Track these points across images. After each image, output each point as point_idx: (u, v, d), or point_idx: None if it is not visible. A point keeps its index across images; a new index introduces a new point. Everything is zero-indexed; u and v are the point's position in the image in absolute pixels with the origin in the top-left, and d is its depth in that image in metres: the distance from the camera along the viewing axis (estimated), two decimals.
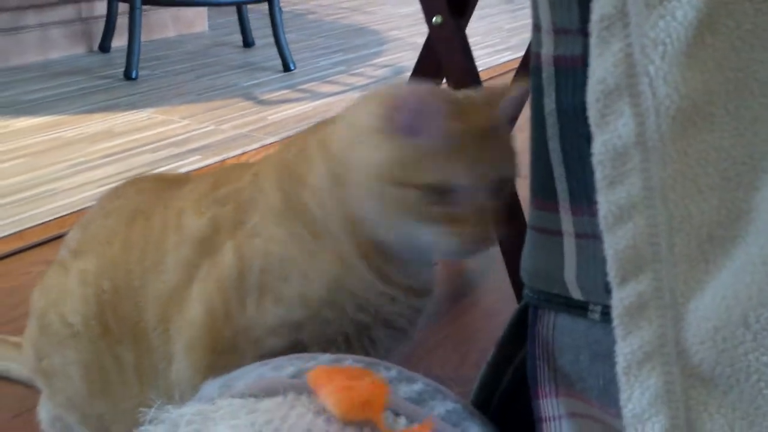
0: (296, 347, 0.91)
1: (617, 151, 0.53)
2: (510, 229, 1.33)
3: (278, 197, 0.92)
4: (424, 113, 0.81)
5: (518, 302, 0.83)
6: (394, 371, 0.80)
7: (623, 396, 0.55)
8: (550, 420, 0.74)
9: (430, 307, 0.97)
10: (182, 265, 0.95)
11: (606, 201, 0.55)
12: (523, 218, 1.31)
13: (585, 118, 0.61)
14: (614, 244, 0.55)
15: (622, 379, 0.55)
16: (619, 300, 0.55)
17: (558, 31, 0.65)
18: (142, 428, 0.78)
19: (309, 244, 0.90)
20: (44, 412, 1.10)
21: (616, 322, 0.55)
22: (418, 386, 0.79)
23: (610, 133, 0.53)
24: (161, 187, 1.04)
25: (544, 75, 0.66)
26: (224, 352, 0.92)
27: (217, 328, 0.92)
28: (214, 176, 1.00)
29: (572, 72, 0.64)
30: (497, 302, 1.54)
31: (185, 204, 0.97)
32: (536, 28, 0.68)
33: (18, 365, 1.25)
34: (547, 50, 0.66)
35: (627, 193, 0.54)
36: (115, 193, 1.07)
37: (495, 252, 1.65)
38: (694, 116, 0.51)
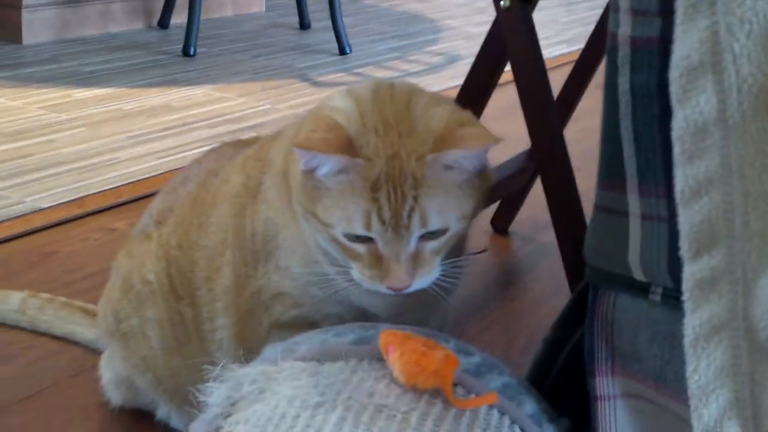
0: (305, 320, 0.93)
1: (698, 126, 0.54)
2: (567, 216, 1.34)
3: (280, 162, 0.93)
4: (319, 166, 0.82)
5: (570, 291, 0.84)
6: (452, 343, 0.82)
7: (689, 368, 0.56)
8: (605, 399, 0.75)
9: (427, 304, 0.93)
10: (221, 223, 0.97)
11: (684, 175, 0.56)
12: (580, 206, 1.32)
13: (659, 98, 0.62)
14: (689, 218, 0.56)
15: (689, 352, 0.56)
16: (691, 274, 0.56)
17: (636, 12, 0.66)
18: (208, 385, 0.80)
19: (287, 214, 0.91)
20: (108, 372, 1.13)
21: (686, 295, 0.56)
22: (475, 359, 0.80)
23: (691, 108, 0.54)
24: (236, 149, 1.06)
25: (620, 54, 0.67)
26: (246, 314, 0.95)
27: (239, 290, 0.95)
28: (272, 136, 1.02)
29: (648, 52, 0.65)
30: (546, 290, 1.54)
31: (239, 161, 1.00)
32: (614, 8, 0.68)
33: (82, 328, 1.28)
34: (624, 30, 0.67)
35: (705, 168, 0.55)
36: (197, 161, 1.11)
37: (547, 240, 1.66)
38: None
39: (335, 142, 0.81)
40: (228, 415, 0.76)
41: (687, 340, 0.56)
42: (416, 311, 0.93)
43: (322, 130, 0.83)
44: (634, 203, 0.69)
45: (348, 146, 0.81)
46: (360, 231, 0.82)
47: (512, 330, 1.42)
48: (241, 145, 1.09)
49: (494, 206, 1.74)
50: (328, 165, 0.82)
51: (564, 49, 3.29)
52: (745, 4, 0.51)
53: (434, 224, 0.82)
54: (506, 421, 0.75)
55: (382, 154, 0.81)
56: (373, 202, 0.81)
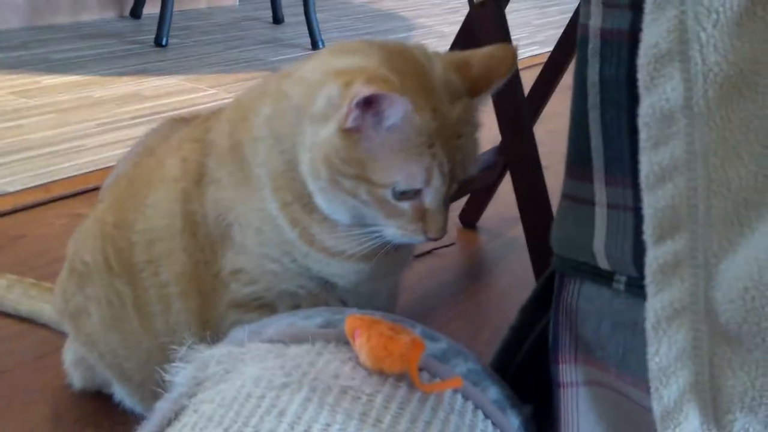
0: (260, 299, 0.94)
1: (664, 113, 0.56)
2: (534, 210, 1.36)
3: (226, 138, 0.92)
4: (385, 114, 0.79)
5: (535, 284, 0.85)
6: (418, 329, 0.83)
7: (650, 350, 0.57)
8: (567, 386, 0.76)
9: (389, 272, 0.96)
10: (161, 206, 0.96)
11: (649, 161, 0.57)
12: (547, 201, 1.33)
13: (627, 90, 0.63)
14: (654, 203, 0.57)
15: (650, 334, 0.57)
16: (654, 258, 0.57)
17: (607, 5, 0.67)
18: (174, 365, 0.81)
19: (241, 188, 0.90)
20: (69, 354, 1.13)
21: (648, 279, 0.58)
22: (442, 345, 0.81)
23: (658, 95, 0.55)
24: (174, 127, 1.06)
25: (590, 46, 0.68)
26: (208, 296, 0.96)
27: (199, 276, 0.95)
28: (207, 116, 1.00)
29: (618, 45, 0.66)
30: (512, 284, 1.56)
31: (174, 142, 1.00)
32: (585, 0, 0.69)
33: (50, 308, 1.28)
34: (594, 22, 0.68)
35: (670, 155, 0.56)
36: (142, 140, 1.10)
37: (514, 235, 1.67)
38: (740, 84, 0.53)
39: (398, 87, 0.78)
40: (193, 395, 0.76)
41: (648, 323, 0.57)
42: (379, 277, 0.95)
43: (379, 80, 0.77)
44: (600, 192, 0.70)
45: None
46: (420, 185, 0.82)
47: (478, 321, 1.43)
48: (180, 122, 1.07)
49: (462, 201, 1.75)
50: (397, 113, 0.78)
51: (536, 50, 3.31)
52: None
53: (472, 170, 0.86)
54: (470, 406, 0.76)
55: (425, 106, 0.81)
56: (432, 157, 0.81)
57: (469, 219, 1.78)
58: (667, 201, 0.56)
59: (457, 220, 1.78)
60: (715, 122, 0.54)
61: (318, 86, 0.83)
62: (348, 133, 0.80)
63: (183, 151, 0.96)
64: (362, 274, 0.93)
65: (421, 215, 0.84)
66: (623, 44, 0.65)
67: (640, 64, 0.56)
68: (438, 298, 1.49)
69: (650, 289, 0.57)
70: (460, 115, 0.83)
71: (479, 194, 1.75)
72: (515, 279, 1.57)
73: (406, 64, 0.84)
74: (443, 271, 1.59)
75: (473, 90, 0.86)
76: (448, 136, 0.82)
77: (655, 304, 0.57)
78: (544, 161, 1.35)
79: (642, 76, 0.56)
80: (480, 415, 0.76)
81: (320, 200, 0.86)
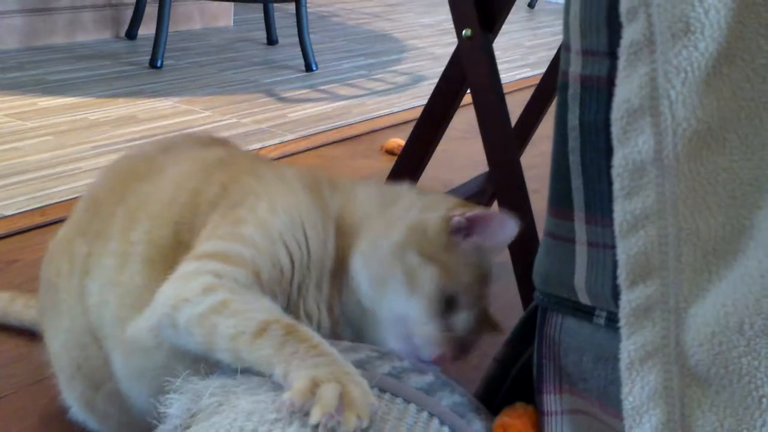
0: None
1: (636, 165, 0.58)
2: (521, 239, 1.38)
3: (340, 211, 0.98)
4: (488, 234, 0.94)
5: (524, 311, 0.87)
6: (407, 362, 0.85)
7: (625, 389, 0.60)
8: (552, 414, 0.79)
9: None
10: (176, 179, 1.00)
11: (622, 210, 0.60)
12: (534, 230, 1.36)
13: (605, 135, 0.66)
14: (627, 249, 0.60)
15: (624, 374, 0.60)
16: (627, 302, 0.60)
17: (586, 53, 0.70)
18: (168, 396, 0.83)
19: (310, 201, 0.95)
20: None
21: (622, 322, 0.60)
22: (428, 378, 0.84)
23: (630, 148, 0.58)
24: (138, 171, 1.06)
25: (570, 92, 0.71)
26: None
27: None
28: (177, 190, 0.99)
29: (597, 91, 0.69)
30: (500, 310, 1.57)
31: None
32: (566, 48, 0.72)
33: None
34: (574, 69, 0.71)
35: (642, 204, 0.59)
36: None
37: (501, 261, 1.69)
38: (708, 139, 0.56)
39: None
40: (187, 427, 0.78)
41: (623, 364, 0.60)
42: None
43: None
44: (580, 231, 0.73)
45: None
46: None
47: None
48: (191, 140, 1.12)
49: None
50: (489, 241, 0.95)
51: (527, 72, 3.34)
52: (681, 54, 0.55)
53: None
54: None
55: None
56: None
57: None
58: (639, 248, 0.59)
59: None
60: (685, 174, 0.57)
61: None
62: (450, 230, 0.94)
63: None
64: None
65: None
66: (602, 90, 0.68)
67: (613, 118, 0.59)
68: None
69: (624, 331, 0.60)
70: None
71: None
72: (502, 305, 1.58)
73: None
74: None
75: None
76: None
77: (629, 345, 0.60)
78: (534, 185, 1.38)
79: (615, 129, 0.59)
80: None
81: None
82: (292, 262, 0.91)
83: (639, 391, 0.59)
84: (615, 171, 0.60)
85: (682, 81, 0.56)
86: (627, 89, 0.58)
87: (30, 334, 1.33)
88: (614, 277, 0.66)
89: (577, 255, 0.74)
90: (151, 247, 0.94)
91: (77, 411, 1.08)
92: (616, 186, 0.60)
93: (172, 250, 0.93)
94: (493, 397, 0.86)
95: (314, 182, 0.99)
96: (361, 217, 0.96)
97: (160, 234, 0.94)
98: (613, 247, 0.68)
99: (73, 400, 1.07)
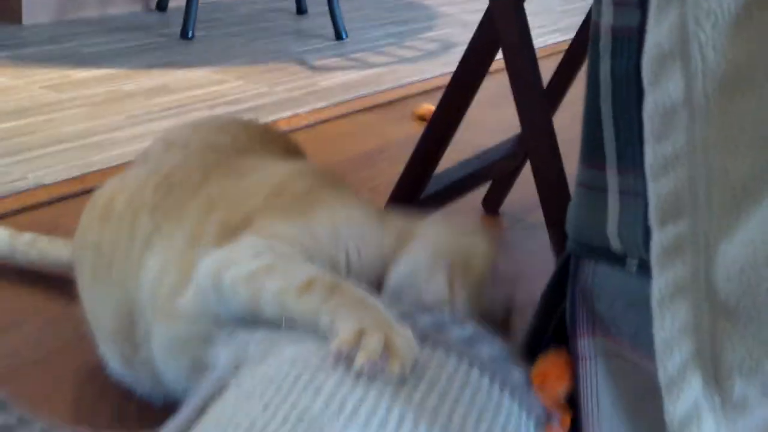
0: None
1: (666, 108, 0.60)
2: (554, 198, 1.40)
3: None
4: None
5: (554, 269, 0.89)
6: (446, 315, 0.88)
7: (656, 324, 0.62)
8: (586, 359, 0.81)
9: None
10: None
11: (653, 152, 0.61)
12: (567, 189, 1.37)
13: (636, 84, 0.67)
14: (657, 190, 0.62)
15: (655, 310, 0.62)
16: (658, 241, 0.62)
17: (618, 4, 0.71)
18: (214, 349, 0.86)
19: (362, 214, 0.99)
20: None
21: (653, 261, 0.62)
22: (468, 330, 0.86)
23: (661, 91, 0.60)
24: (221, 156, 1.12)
25: (602, 43, 0.73)
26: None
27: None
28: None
29: (628, 41, 0.70)
30: (534, 266, 1.58)
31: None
32: None
33: None
34: (606, 20, 0.72)
35: (672, 146, 0.60)
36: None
37: (535, 221, 1.71)
38: (737, 81, 0.57)
39: None
40: (234, 375, 0.81)
41: (654, 300, 0.62)
42: None
43: None
44: (612, 180, 0.74)
45: None
46: None
47: None
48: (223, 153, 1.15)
49: (485, 187, 1.79)
50: None
51: (558, 37, 3.34)
52: None
53: None
54: (496, 387, 0.81)
55: None
56: None
57: (492, 205, 1.83)
58: (670, 188, 0.61)
59: (480, 206, 1.82)
60: (714, 116, 0.58)
61: None
62: None
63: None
64: None
65: None
66: (633, 41, 0.70)
67: (644, 62, 0.61)
68: None
69: (655, 270, 0.62)
70: None
71: (501, 181, 1.79)
72: (537, 262, 1.61)
73: None
74: None
75: None
76: None
77: (660, 282, 0.62)
78: (565, 148, 1.39)
79: (646, 74, 0.61)
80: (506, 394, 0.81)
81: None
82: (348, 267, 0.94)
83: (670, 325, 0.61)
84: (646, 114, 0.61)
85: (712, 24, 0.57)
86: (657, 34, 0.60)
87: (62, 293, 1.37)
88: (645, 224, 0.68)
89: (609, 203, 0.75)
90: (224, 227, 0.98)
91: (116, 367, 1.12)
92: (647, 129, 0.61)
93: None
94: (535, 351, 0.88)
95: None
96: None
97: (234, 218, 0.99)
98: (645, 194, 0.69)
99: (113, 359, 1.11)
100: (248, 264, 0.87)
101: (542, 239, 1.49)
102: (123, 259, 1.04)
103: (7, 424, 1.08)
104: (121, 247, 1.05)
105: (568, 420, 0.81)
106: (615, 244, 0.76)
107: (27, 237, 1.44)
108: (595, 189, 0.77)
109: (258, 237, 0.92)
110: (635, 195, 0.72)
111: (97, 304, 1.09)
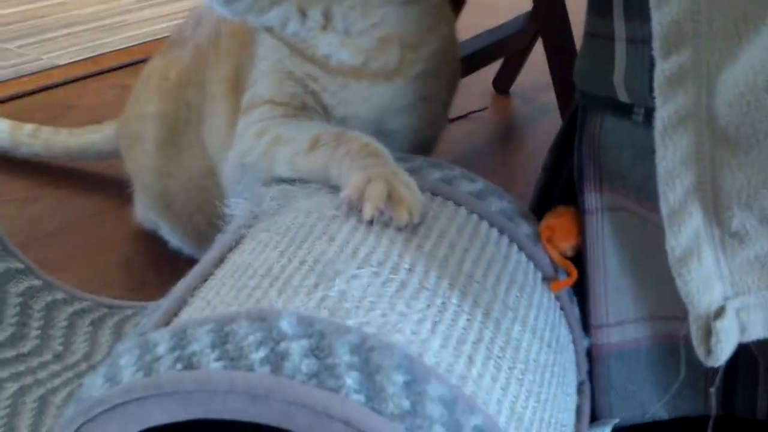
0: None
1: None
2: (565, 74, 1.40)
3: None
4: None
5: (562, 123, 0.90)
6: (458, 170, 0.89)
7: (658, 156, 0.64)
8: (593, 212, 0.83)
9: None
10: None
11: None
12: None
13: None
14: (660, 19, 0.63)
15: (658, 141, 0.64)
16: (661, 71, 0.63)
17: None
18: (232, 200, 0.88)
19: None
20: (139, 206, 1.24)
21: (657, 92, 0.64)
22: (479, 185, 0.88)
23: None
24: None
25: None
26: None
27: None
28: None
29: None
30: (544, 144, 1.61)
31: None
32: None
33: (100, 137, 1.41)
34: None
35: None
36: None
37: (546, 100, 1.72)
38: None
39: None
40: (251, 226, 0.84)
41: (657, 132, 0.64)
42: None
43: None
44: (619, 27, 0.75)
45: None
46: None
47: (511, 177, 1.49)
48: None
49: (496, 66, 1.79)
50: None
51: None
52: None
53: None
54: (505, 239, 0.83)
55: None
56: None
57: (502, 84, 1.83)
58: (672, 17, 0.62)
59: (490, 86, 1.83)
60: None
61: None
62: None
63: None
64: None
65: None
66: None
67: None
68: (471, 159, 1.55)
69: (658, 101, 0.64)
70: None
71: (512, 60, 1.79)
72: (547, 140, 1.62)
73: None
74: (476, 134, 1.65)
75: None
76: None
77: (663, 113, 0.63)
78: (573, 17, 1.38)
79: None
80: (515, 247, 0.83)
81: None
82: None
83: (672, 156, 0.63)
84: None
85: None
86: None
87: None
88: (651, 72, 0.69)
89: (617, 52, 0.76)
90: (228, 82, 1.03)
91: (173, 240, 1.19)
92: None
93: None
94: (545, 207, 0.90)
95: None
96: None
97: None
98: (651, 42, 0.70)
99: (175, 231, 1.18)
100: (257, 147, 0.92)
101: (553, 118, 1.50)
102: (188, 132, 1.11)
103: (32, 286, 1.12)
104: (183, 121, 1.11)
105: (574, 274, 0.84)
106: (621, 93, 0.77)
107: (29, 128, 1.47)
108: (602, 37, 0.78)
109: (250, 117, 0.96)
110: (642, 42, 0.73)
111: (169, 169, 1.14)
